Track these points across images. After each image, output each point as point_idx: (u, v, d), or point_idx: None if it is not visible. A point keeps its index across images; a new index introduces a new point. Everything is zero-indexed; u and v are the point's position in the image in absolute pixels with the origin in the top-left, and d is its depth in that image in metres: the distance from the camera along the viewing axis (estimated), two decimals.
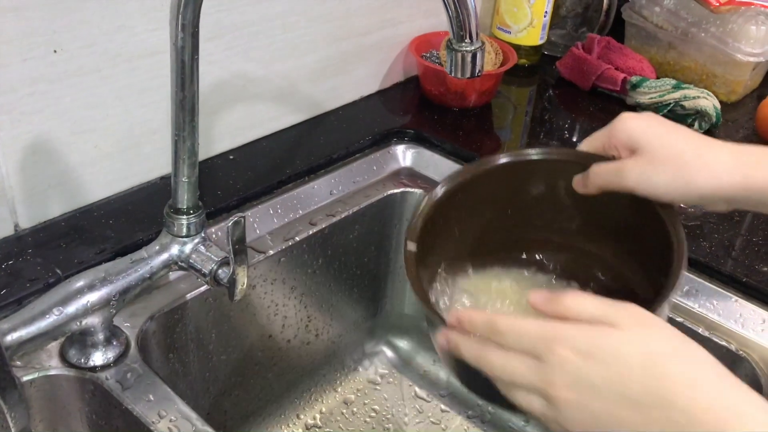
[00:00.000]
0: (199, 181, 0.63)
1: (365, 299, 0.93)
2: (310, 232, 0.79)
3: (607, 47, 1.07)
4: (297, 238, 0.78)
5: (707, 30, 1.03)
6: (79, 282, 0.59)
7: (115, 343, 0.62)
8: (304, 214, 0.81)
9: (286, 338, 0.84)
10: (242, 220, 0.59)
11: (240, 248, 0.60)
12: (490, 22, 1.13)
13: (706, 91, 0.97)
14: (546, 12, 1.08)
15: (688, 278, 0.73)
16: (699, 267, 0.74)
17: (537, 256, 0.66)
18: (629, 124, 0.57)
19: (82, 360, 0.61)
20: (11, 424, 0.49)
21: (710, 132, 0.97)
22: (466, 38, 0.50)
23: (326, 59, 0.90)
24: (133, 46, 0.69)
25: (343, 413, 0.92)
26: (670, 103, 0.97)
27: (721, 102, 0.99)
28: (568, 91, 1.07)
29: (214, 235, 0.74)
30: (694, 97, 0.96)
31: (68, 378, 0.61)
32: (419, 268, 0.57)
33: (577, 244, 0.64)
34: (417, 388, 0.95)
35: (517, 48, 1.07)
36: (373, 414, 0.92)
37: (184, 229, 0.63)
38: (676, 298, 0.66)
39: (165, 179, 0.78)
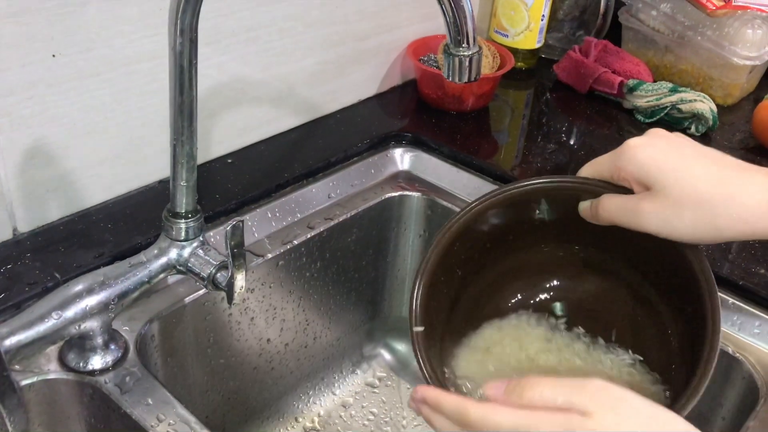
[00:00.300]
0: (197, 185, 0.63)
1: (363, 302, 0.94)
2: (309, 236, 0.79)
3: (604, 50, 1.08)
4: (295, 242, 0.78)
5: (704, 33, 1.04)
6: (78, 286, 0.59)
7: (113, 347, 0.62)
8: (303, 217, 0.81)
9: (284, 341, 0.84)
10: (241, 224, 0.59)
11: (238, 252, 0.60)
12: (488, 25, 1.13)
13: (702, 94, 0.98)
14: (543, 15, 1.08)
15: None
16: None
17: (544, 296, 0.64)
18: (639, 157, 0.52)
19: (81, 364, 0.61)
20: (10, 429, 0.49)
21: (707, 135, 0.98)
22: (463, 43, 0.51)
23: (324, 63, 0.90)
24: (132, 50, 0.70)
25: (341, 416, 0.92)
26: (666, 107, 0.98)
27: (717, 105, 0.99)
28: (565, 95, 1.07)
29: (212, 239, 0.74)
30: (690, 101, 0.96)
31: (67, 382, 0.61)
32: (428, 347, 0.57)
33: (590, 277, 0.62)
34: None
35: (515, 51, 1.07)
36: (371, 417, 0.92)
37: (183, 233, 0.63)
38: None
39: (163, 183, 0.78)
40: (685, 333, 0.56)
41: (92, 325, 0.59)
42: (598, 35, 1.15)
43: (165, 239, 0.64)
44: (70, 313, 0.58)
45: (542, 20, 1.09)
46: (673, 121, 0.99)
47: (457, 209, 0.61)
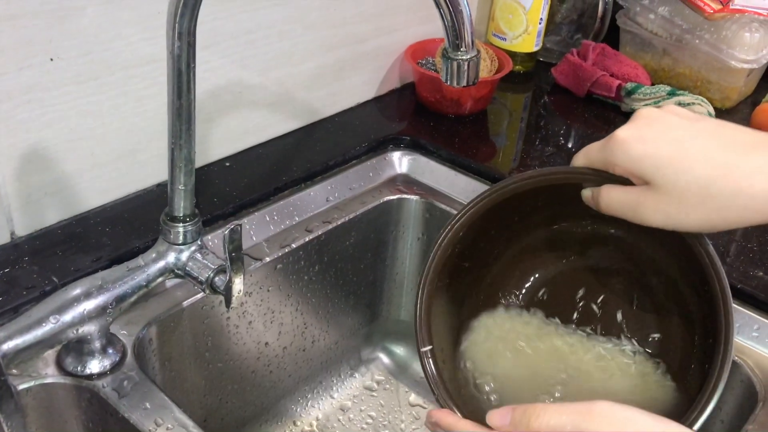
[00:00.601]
0: (195, 189, 0.63)
1: (361, 306, 0.93)
2: (307, 239, 0.79)
3: (602, 54, 1.08)
4: (293, 245, 0.78)
5: (701, 37, 1.04)
6: (76, 290, 0.59)
7: (111, 351, 0.62)
8: (301, 221, 0.81)
9: (283, 345, 0.84)
10: (239, 227, 0.59)
11: (236, 256, 0.60)
12: (486, 28, 1.14)
13: (700, 97, 0.98)
14: (541, 19, 1.08)
15: None
16: None
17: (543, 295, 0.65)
18: (632, 154, 0.49)
19: (79, 368, 0.61)
20: None
21: None
22: (461, 47, 0.51)
23: (322, 66, 0.90)
24: (130, 54, 0.69)
25: (339, 420, 0.92)
26: None
27: (715, 108, 0.99)
28: (563, 98, 1.08)
29: (210, 243, 0.74)
30: (688, 104, 0.96)
31: (65, 386, 0.61)
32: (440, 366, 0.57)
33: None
34: (413, 395, 0.95)
35: (513, 55, 1.07)
36: (369, 420, 0.92)
37: (181, 237, 0.63)
38: None
39: (161, 186, 0.78)
40: (692, 320, 0.56)
41: (90, 329, 0.59)
42: (596, 38, 1.16)
43: (163, 243, 0.64)
44: (68, 317, 0.58)
45: (540, 24, 1.09)
46: None
47: (455, 212, 0.60)
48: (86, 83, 0.68)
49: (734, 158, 0.46)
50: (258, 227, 0.78)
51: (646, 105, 0.99)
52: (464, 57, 0.51)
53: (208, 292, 0.63)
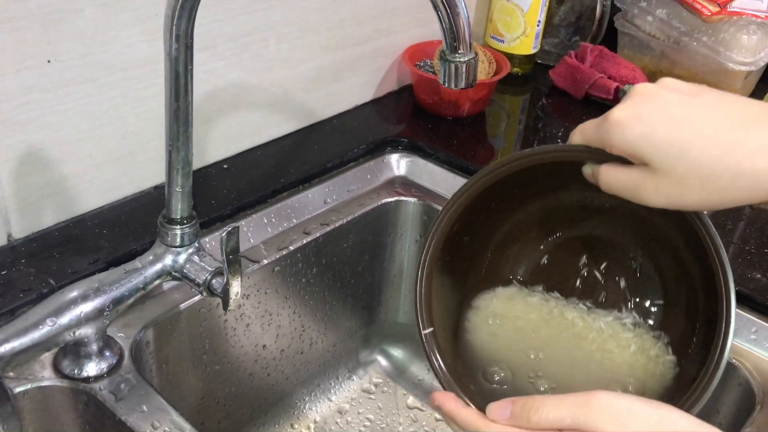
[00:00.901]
0: (192, 191, 0.63)
1: (359, 308, 0.93)
2: (304, 242, 0.79)
3: (599, 56, 1.08)
4: (291, 248, 0.78)
5: (699, 39, 1.04)
6: (73, 292, 0.59)
7: (108, 353, 0.62)
8: (298, 223, 0.81)
9: (280, 348, 0.84)
10: (236, 230, 0.59)
11: (234, 258, 0.60)
12: (484, 31, 1.14)
13: None
14: (539, 21, 1.08)
15: None
16: None
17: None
18: (628, 136, 0.47)
19: (76, 371, 0.61)
20: None
21: None
22: (459, 49, 0.51)
23: (320, 68, 0.90)
24: (128, 55, 0.69)
25: (337, 422, 0.91)
26: None
27: None
28: (561, 100, 1.08)
29: (208, 245, 0.74)
30: None
31: (61, 389, 0.61)
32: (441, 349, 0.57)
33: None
34: (411, 397, 0.95)
35: (511, 57, 1.07)
36: (367, 423, 0.91)
37: (178, 239, 0.63)
38: None
39: (159, 188, 0.78)
40: (695, 289, 0.56)
41: (87, 331, 0.59)
42: (593, 41, 1.16)
43: (160, 245, 0.64)
44: (65, 319, 0.58)
45: (538, 26, 1.09)
46: None
47: (455, 192, 0.60)
48: (84, 85, 0.68)
49: (735, 137, 0.44)
50: (256, 229, 0.78)
51: None
52: (462, 59, 0.51)
53: (205, 294, 0.63)
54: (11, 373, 0.60)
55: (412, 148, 0.93)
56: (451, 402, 0.52)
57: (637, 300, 0.60)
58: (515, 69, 1.10)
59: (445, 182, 0.89)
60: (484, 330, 0.62)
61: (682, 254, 0.57)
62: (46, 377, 0.61)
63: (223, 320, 0.74)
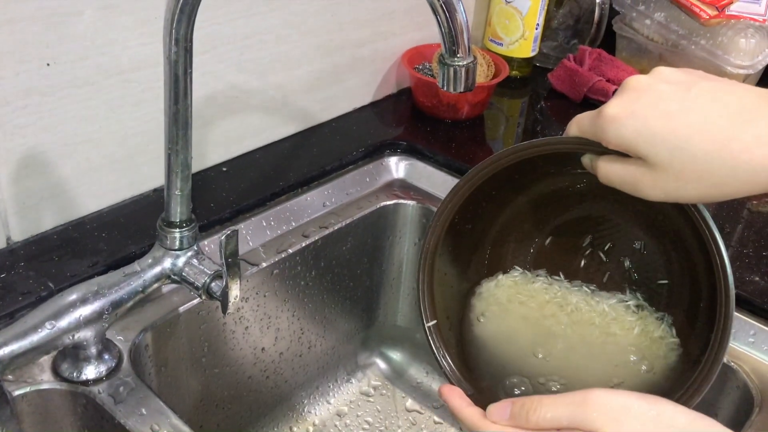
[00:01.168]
0: (191, 194, 0.63)
1: (358, 311, 0.93)
2: (303, 245, 0.79)
3: (598, 59, 1.08)
4: (290, 251, 0.78)
5: (697, 42, 1.04)
6: (72, 296, 0.59)
7: (107, 356, 0.62)
8: (297, 226, 0.81)
9: (279, 351, 0.84)
10: (235, 233, 0.59)
11: (233, 261, 0.60)
12: (482, 34, 1.14)
13: None
14: (538, 24, 1.09)
15: None
16: None
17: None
18: (623, 133, 0.46)
19: (75, 374, 0.60)
20: None
21: None
22: (458, 53, 0.51)
23: (319, 71, 0.90)
24: (127, 59, 0.69)
25: (336, 425, 0.91)
26: None
27: None
28: (559, 103, 1.08)
29: (206, 248, 0.74)
30: None
31: (60, 392, 0.61)
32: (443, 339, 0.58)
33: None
34: (410, 400, 0.95)
35: (509, 60, 1.08)
36: (366, 426, 0.91)
37: (177, 243, 0.63)
38: None
39: (158, 191, 0.78)
40: (697, 272, 0.56)
41: (86, 334, 0.59)
42: (592, 44, 1.16)
43: (159, 248, 0.64)
44: (64, 322, 0.58)
45: (537, 29, 1.09)
46: None
47: (458, 181, 0.61)
48: (83, 88, 0.68)
49: (731, 129, 0.43)
50: (255, 232, 0.78)
51: None
52: (461, 63, 0.51)
53: (204, 297, 0.63)
54: (10, 377, 0.60)
55: (410, 151, 0.93)
56: (456, 399, 0.53)
57: (642, 278, 0.60)
58: (514, 72, 1.10)
59: (444, 185, 0.89)
60: (488, 317, 0.62)
61: (685, 236, 0.57)
62: (45, 380, 0.60)
63: (222, 323, 0.74)
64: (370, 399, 0.95)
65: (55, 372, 0.61)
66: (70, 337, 0.58)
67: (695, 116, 0.44)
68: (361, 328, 0.95)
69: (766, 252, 0.78)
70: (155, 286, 0.64)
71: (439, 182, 0.90)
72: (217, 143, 0.83)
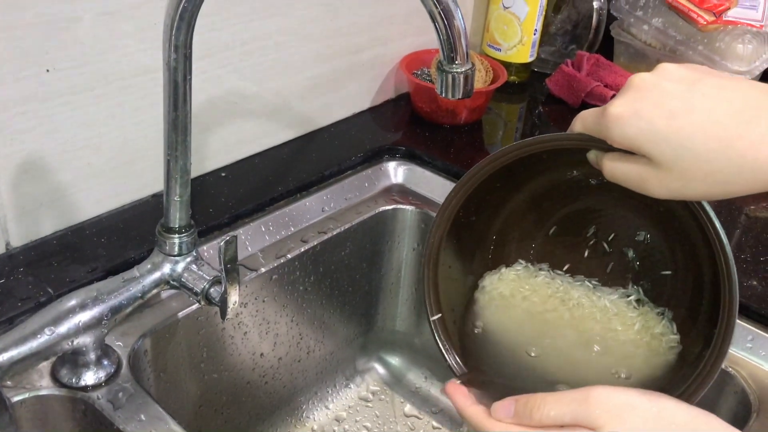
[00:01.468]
0: (190, 199, 0.63)
1: (357, 316, 0.93)
2: (302, 250, 0.79)
3: (596, 64, 1.08)
4: (289, 256, 0.78)
5: (695, 48, 1.04)
6: (71, 301, 0.59)
7: (106, 362, 0.62)
8: (296, 231, 0.81)
9: (278, 356, 0.84)
10: (234, 239, 0.59)
11: (232, 267, 0.60)
12: (480, 39, 1.14)
13: None
14: (536, 30, 1.09)
15: None
16: None
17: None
18: (628, 132, 0.46)
19: (74, 380, 0.61)
20: None
21: None
22: (456, 60, 0.51)
23: (318, 77, 0.91)
24: (126, 65, 0.70)
25: (335, 430, 0.91)
26: None
27: None
28: (557, 108, 1.08)
29: (206, 253, 0.74)
30: None
31: (59, 398, 0.61)
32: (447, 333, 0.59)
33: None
34: (409, 405, 0.95)
35: (507, 65, 1.08)
36: (364, 431, 0.91)
37: (176, 248, 0.63)
38: None
39: (157, 197, 0.78)
40: (700, 264, 0.56)
41: (85, 340, 0.59)
42: (590, 49, 1.16)
43: (158, 254, 0.64)
44: (63, 328, 0.58)
45: (535, 34, 1.09)
46: None
47: (463, 175, 0.60)
48: (82, 94, 0.68)
49: (737, 128, 0.43)
50: (253, 238, 0.78)
51: None
52: (459, 70, 0.51)
53: (203, 303, 0.63)
54: (9, 382, 0.60)
55: (409, 156, 0.93)
56: (461, 397, 0.53)
57: (645, 269, 0.60)
58: (512, 77, 1.10)
59: (443, 190, 0.89)
60: (491, 310, 0.62)
61: (689, 229, 0.57)
62: (44, 386, 0.61)
63: (221, 329, 0.75)
64: (369, 404, 0.95)
65: (54, 378, 0.61)
66: (69, 343, 0.58)
67: (699, 114, 0.44)
68: (360, 333, 0.96)
69: (764, 257, 0.78)
70: (154, 291, 0.64)
71: (438, 187, 0.90)
72: (216, 149, 0.83)
